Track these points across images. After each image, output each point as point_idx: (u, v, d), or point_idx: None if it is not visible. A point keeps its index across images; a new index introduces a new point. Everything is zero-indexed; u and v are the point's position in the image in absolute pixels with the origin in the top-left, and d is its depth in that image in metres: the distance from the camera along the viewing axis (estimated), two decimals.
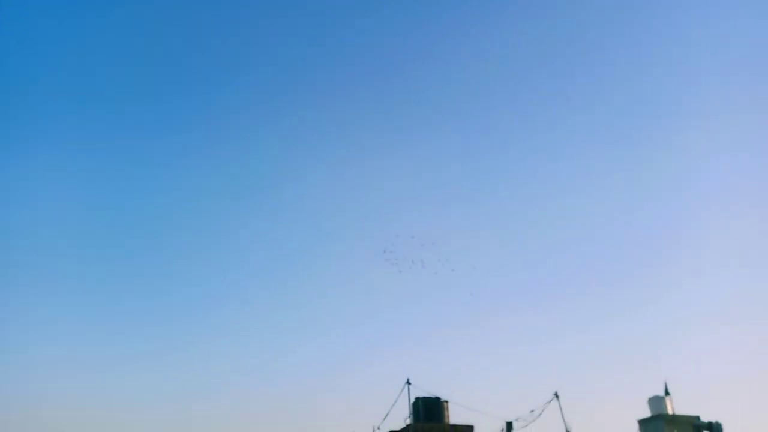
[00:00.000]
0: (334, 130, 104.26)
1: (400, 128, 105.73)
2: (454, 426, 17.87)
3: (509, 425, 15.67)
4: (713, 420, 23.19)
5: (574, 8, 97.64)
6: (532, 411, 14.92)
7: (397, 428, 17.60)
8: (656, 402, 25.97)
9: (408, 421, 16.53)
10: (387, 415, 16.33)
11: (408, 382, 14.80)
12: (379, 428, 17.63)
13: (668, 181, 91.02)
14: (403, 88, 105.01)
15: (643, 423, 25.63)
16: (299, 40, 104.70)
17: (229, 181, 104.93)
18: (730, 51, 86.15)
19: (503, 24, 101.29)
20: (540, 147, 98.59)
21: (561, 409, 14.20)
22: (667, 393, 25.98)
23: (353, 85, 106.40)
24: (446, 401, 19.09)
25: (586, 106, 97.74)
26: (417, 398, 18.18)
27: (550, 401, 14.69)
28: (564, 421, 13.97)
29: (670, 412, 25.61)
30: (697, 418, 24.90)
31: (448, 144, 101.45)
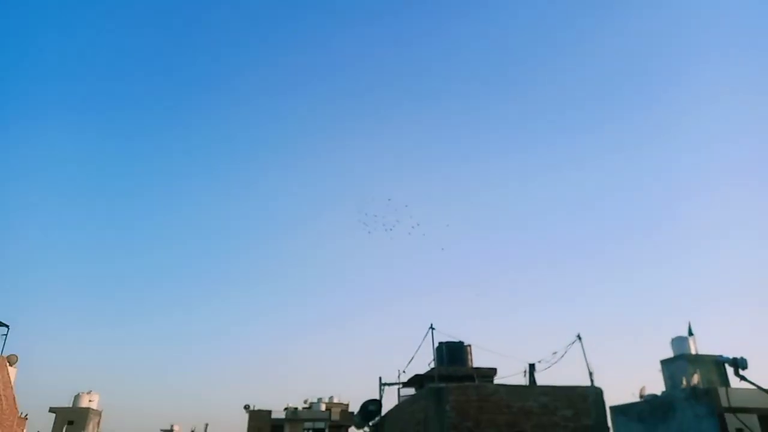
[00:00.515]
0: (322, 110, 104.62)
1: (384, 107, 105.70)
2: (477, 369, 18.13)
3: (532, 367, 15.80)
4: (737, 357, 23.13)
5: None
6: (554, 353, 14.98)
7: (422, 372, 17.97)
8: (679, 342, 25.98)
9: (432, 365, 16.83)
10: (411, 359, 16.58)
11: (432, 328, 14.94)
12: (404, 371, 17.99)
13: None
14: (388, 71, 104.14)
15: (666, 363, 25.73)
16: (288, 34, 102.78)
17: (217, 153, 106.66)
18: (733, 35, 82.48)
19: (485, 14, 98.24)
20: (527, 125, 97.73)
21: (584, 350, 14.22)
22: (690, 333, 25.94)
23: (342, 72, 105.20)
24: (469, 345, 19.33)
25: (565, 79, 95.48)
26: (440, 343, 18.43)
27: (572, 343, 14.72)
28: (587, 363, 14.03)
29: (693, 352, 25.62)
30: (720, 356, 24.86)
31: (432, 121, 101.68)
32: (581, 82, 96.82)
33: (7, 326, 27.44)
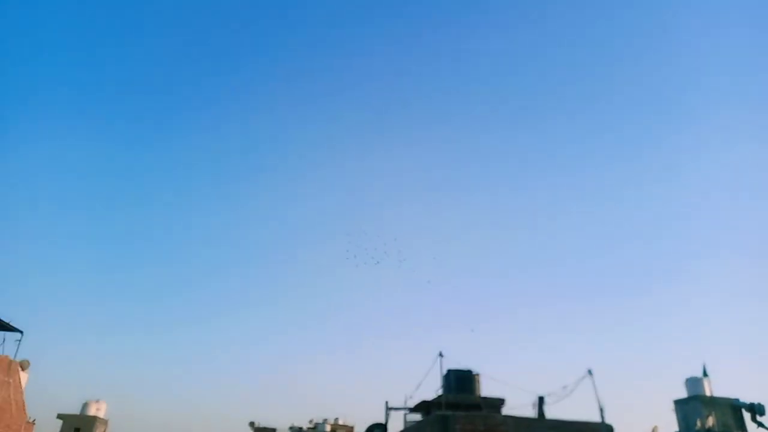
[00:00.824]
0: (317, 133, 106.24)
1: (382, 132, 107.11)
2: (485, 398, 17.93)
3: (541, 400, 15.61)
4: (754, 402, 22.60)
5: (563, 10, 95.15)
6: (564, 387, 14.80)
7: (429, 398, 17.83)
8: (694, 383, 25.44)
9: (439, 392, 16.70)
10: (419, 386, 16.50)
11: (440, 355, 14.90)
12: (411, 397, 17.86)
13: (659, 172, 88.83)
14: (395, 89, 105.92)
15: (679, 403, 25.18)
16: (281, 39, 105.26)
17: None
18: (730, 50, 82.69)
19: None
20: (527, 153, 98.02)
21: (595, 386, 14.06)
22: (705, 374, 25.41)
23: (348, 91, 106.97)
24: (478, 374, 19.16)
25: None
26: (449, 370, 18.31)
27: (583, 377, 14.55)
28: (598, 399, 13.84)
29: (708, 393, 25.05)
30: (737, 400, 24.30)
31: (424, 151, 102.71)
32: (581, 115, 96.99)
33: (21, 332, 27.88)
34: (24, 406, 28.88)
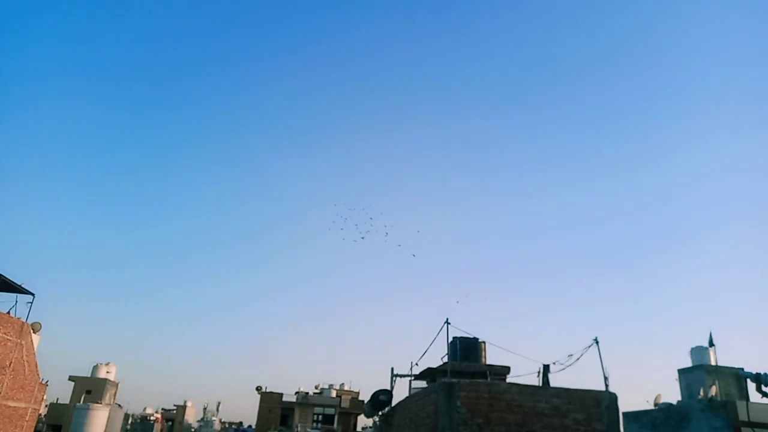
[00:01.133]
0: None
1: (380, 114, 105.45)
2: (491, 366, 17.99)
3: (546, 368, 15.59)
4: (760, 372, 22.58)
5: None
6: (570, 355, 14.76)
7: (435, 365, 17.92)
8: (699, 352, 25.49)
9: (445, 360, 16.75)
10: (425, 353, 16.53)
11: (447, 322, 14.85)
12: (417, 364, 17.95)
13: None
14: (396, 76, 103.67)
15: (683, 372, 25.28)
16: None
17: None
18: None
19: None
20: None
21: (600, 354, 14.00)
22: (711, 344, 25.41)
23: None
24: (483, 342, 19.19)
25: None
26: (455, 338, 18.32)
27: (589, 346, 14.49)
28: (602, 367, 13.80)
29: (712, 363, 25.11)
30: (741, 369, 24.33)
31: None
32: (570, 100, 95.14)
33: (33, 294, 28.21)
34: (37, 367, 29.47)
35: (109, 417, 43.39)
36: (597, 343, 15.18)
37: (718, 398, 22.54)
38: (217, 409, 77.20)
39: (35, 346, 29.29)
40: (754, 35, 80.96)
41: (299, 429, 47.35)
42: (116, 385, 52.06)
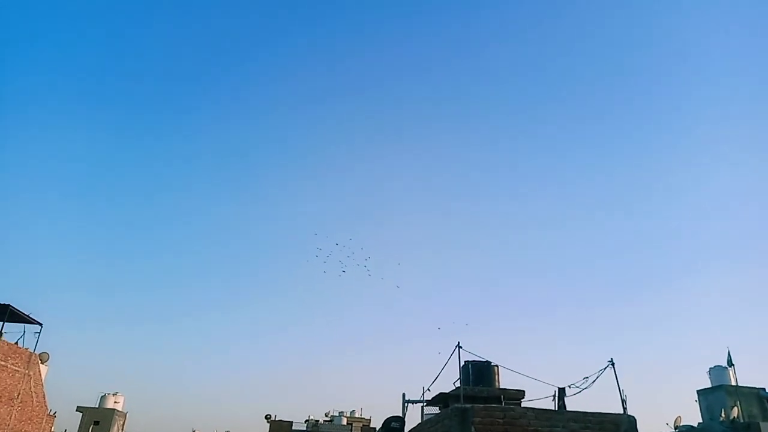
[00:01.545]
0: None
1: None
2: (504, 390, 17.56)
3: (561, 391, 15.17)
4: None
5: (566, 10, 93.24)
6: (585, 378, 14.36)
7: (447, 390, 17.52)
8: (718, 372, 24.88)
9: (457, 384, 16.37)
10: (437, 378, 16.16)
11: (459, 346, 14.53)
12: (428, 389, 17.56)
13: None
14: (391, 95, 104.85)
15: (703, 393, 24.64)
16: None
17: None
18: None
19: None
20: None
21: (617, 376, 13.61)
22: (730, 363, 24.81)
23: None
24: (497, 365, 18.77)
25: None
26: (467, 362, 17.94)
27: (605, 368, 14.09)
28: (619, 389, 13.39)
29: (732, 383, 24.48)
30: (763, 389, 23.70)
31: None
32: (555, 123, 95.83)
33: (41, 324, 28.11)
34: (45, 398, 29.21)
35: None
36: (612, 364, 14.82)
37: (740, 420, 21.89)
38: None
39: (43, 376, 29.09)
40: None
41: None
42: (124, 415, 51.49)
